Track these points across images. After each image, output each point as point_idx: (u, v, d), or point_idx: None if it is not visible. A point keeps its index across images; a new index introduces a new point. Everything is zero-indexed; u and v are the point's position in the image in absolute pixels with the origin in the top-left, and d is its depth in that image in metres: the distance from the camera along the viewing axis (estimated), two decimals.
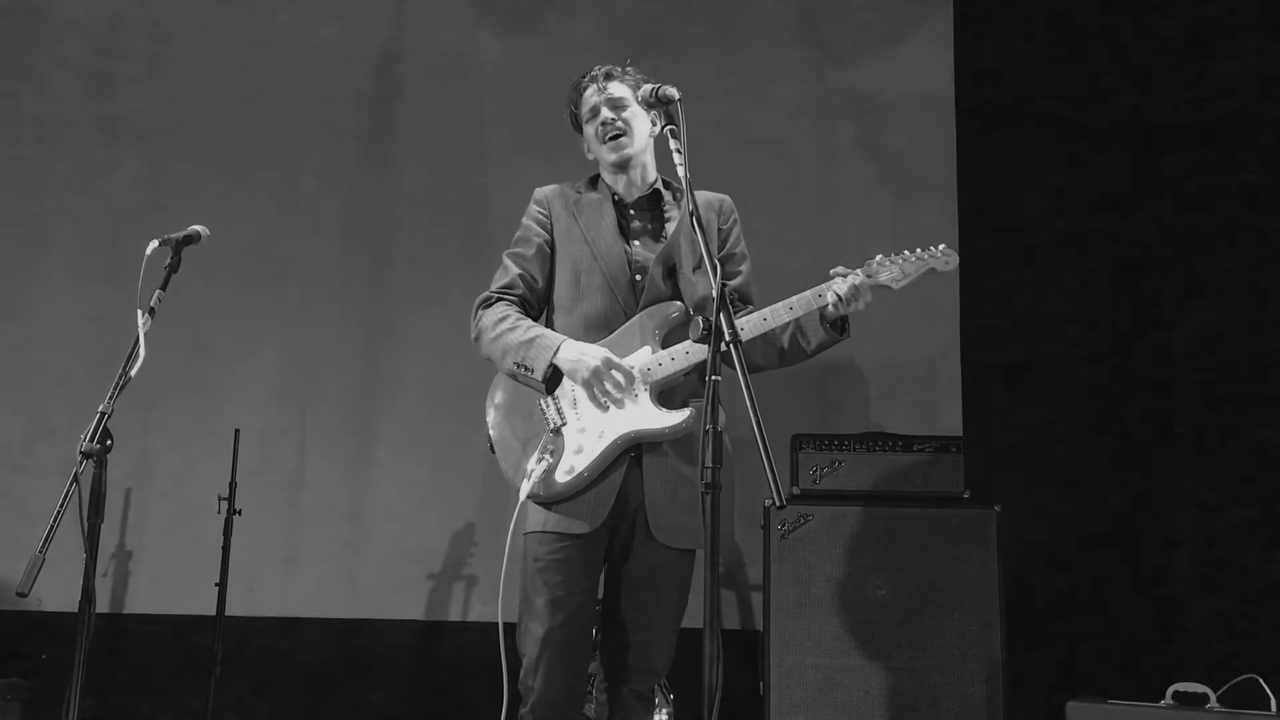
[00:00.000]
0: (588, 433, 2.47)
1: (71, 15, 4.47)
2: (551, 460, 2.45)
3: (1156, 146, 4.17)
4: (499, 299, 2.63)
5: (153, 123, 4.41)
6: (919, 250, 2.50)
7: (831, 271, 2.50)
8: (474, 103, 4.47)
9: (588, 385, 2.45)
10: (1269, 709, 2.85)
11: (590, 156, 2.72)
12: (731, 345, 1.98)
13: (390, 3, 4.54)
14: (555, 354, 2.47)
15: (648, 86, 2.38)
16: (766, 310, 2.49)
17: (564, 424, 2.49)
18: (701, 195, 2.66)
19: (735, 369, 1.98)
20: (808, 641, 3.32)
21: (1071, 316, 4.14)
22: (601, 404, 2.46)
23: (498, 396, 2.59)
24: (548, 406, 2.51)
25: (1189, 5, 4.21)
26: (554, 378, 2.50)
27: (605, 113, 2.62)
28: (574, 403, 2.49)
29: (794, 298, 2.48)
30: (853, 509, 3.41)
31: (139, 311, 2.33)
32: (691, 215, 2.19)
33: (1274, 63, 4.06)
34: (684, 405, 2.48)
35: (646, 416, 2.46)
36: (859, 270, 2.48)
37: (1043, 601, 3.86)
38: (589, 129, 2.67)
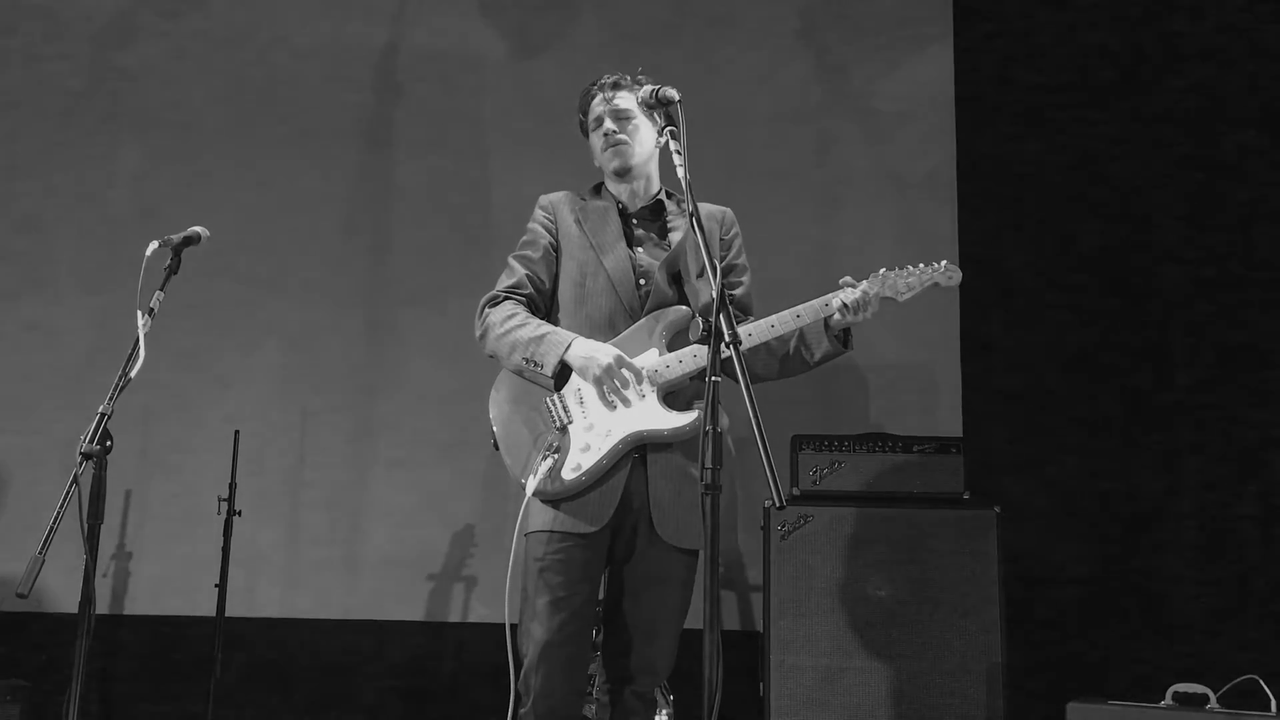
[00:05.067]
0: (595, 431, 2.47)
1: (72, 15, 4.47)
2: (557, 458, 2.46)
3: (1158, 146, 4.17)
4: (506, 297, 2.64)
5: (153, 123, 4.41)
6: (923, 265, 2.53)
7: (840, 281, 2.51)
8: (474, 102, 4.47)
9: (598, 383, 2.46)
10: (1269, 709, 2.85)
11: (598, 164, 2.75)
12: (731, 346, 1.98)
13: (391, 2, 4.55)
14: (566, 350, 2.48)
15: (648, 88, 2.38)
16: (773, 317, 2.50)
17: (570, 422, 2.49)
18: (704, 207, 2.68)
19: (735, 371, 1.98)
20: (808, 642, 3.32)
21: (1072, 317, 4.14)
22: (610, 403, 2.47)
23: (502, 392, 2.59)
24: (554, 404, 2.51)
25: (1191, 5, 4.21)
26: (560, 375, 2.51)
27: (609, 124, 2.65)
28: (580, 401, 2.50)
29: (800, 306, 2.49)
30: (853, 510, 3.41)
31: (139, 312, 2.34)
32: (691, 216, 2.19)
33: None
34: (688, 407, 2.49)
35: (654, 417, 2.46)
36: (865, 282, 2.50)
37: (1043, 602, 3.86)
38: (594, 138, 2.71)
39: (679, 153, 2.25)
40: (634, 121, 2.64)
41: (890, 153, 4.36)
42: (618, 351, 2.47)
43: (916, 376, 4.20)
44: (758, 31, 4.47)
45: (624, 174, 2.65)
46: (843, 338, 2.56)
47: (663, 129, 2.36)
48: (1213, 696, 2.92)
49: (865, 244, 4.24)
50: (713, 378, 1.96)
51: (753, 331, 2.48)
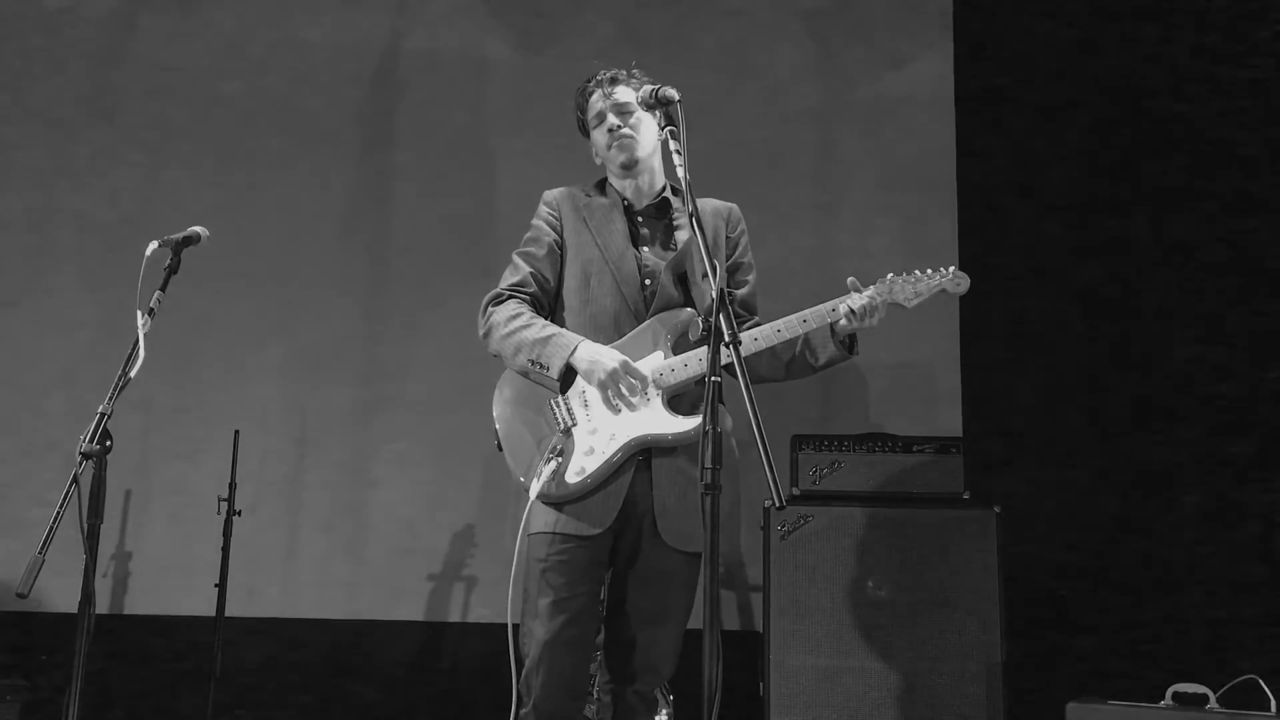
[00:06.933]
0: (599, 434, 2.46)
1: (74, 16, 4.47)
2: (561, 461, 2.45)
3: (1159, 146, 4.17)
4: (510, 296, 2.62)
5: (154, 123, 4.41)
6: (930, 271, 2.52)
7: (848, 282, 2.50)
8: (476, 100, 4.47)
9: (603, 387, 2.44)
10: (1269, 709, 2.85)
11: (598, 161, 2.73)
12: (731, 346, 1.98)
13: (392, 3, 4.54)
14: (572, 353, 2.46)
15: (648, 88, 2.38)
16: (779, 322, 2.49)
17: (574, 425, 2.48)
18: (709, 203, 2.68)
19: (736, 372, 1.97)
20: (807, 642, 3.32)
21: (1072, 317, 4.14)
22: (614, 406, 2.46)
23: (507, 393, 2.58)
24: (558, 407, 2.50)
25: (1191, 4, 4.22)
26: (565, 377, 2.49)
27: (612, 118, 2.62)
28: (585, 403, 2.49)
29: (807, 310, 2.48)
30: (853, 510, 3.40)
31: (139, 312, 2.34)
32: (691, 217, 2.19)
33: None
34: (692, 411, 2.47)
35: (658, 421, 2.45)
36: (872, 287, 2.49)
37: (1043, 601, 3.86)
38: (596, 134, 2.68)
39: (679, 152, 2.25)
40: (636, 114, 2.62)
41: (890, 152, 4.36)
42: (623, 356, 2.45)
43: (916, 376, 4.20)
44: (758, 33, 4.47)
45: (631, 167, 2.63)
46: (848, 344, 2.55)
47: (663, 128, 2.37)
48: (1213, 696, 2.92)
49: (865, 244, 4.24)
50: (713, 378, 1.95)
51: (759, 336, 2.47)
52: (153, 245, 2.43)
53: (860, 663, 3.28)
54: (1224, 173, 4.09)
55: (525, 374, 2.53)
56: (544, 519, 2.46)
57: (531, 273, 2.63)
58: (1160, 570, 3.90)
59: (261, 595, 4.08)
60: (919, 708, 3.24)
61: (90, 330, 4.19)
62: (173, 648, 4.03)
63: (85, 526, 2.21)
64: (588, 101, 2.68)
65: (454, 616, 4.10)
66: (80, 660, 2.18)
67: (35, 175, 4.38)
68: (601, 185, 2.73)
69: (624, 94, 2.62)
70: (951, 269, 2.54)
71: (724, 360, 2.00)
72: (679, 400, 2.49)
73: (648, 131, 2.63)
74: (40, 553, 2.11)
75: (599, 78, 2.67)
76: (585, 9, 4.52)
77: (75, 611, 2.17)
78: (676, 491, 2.46)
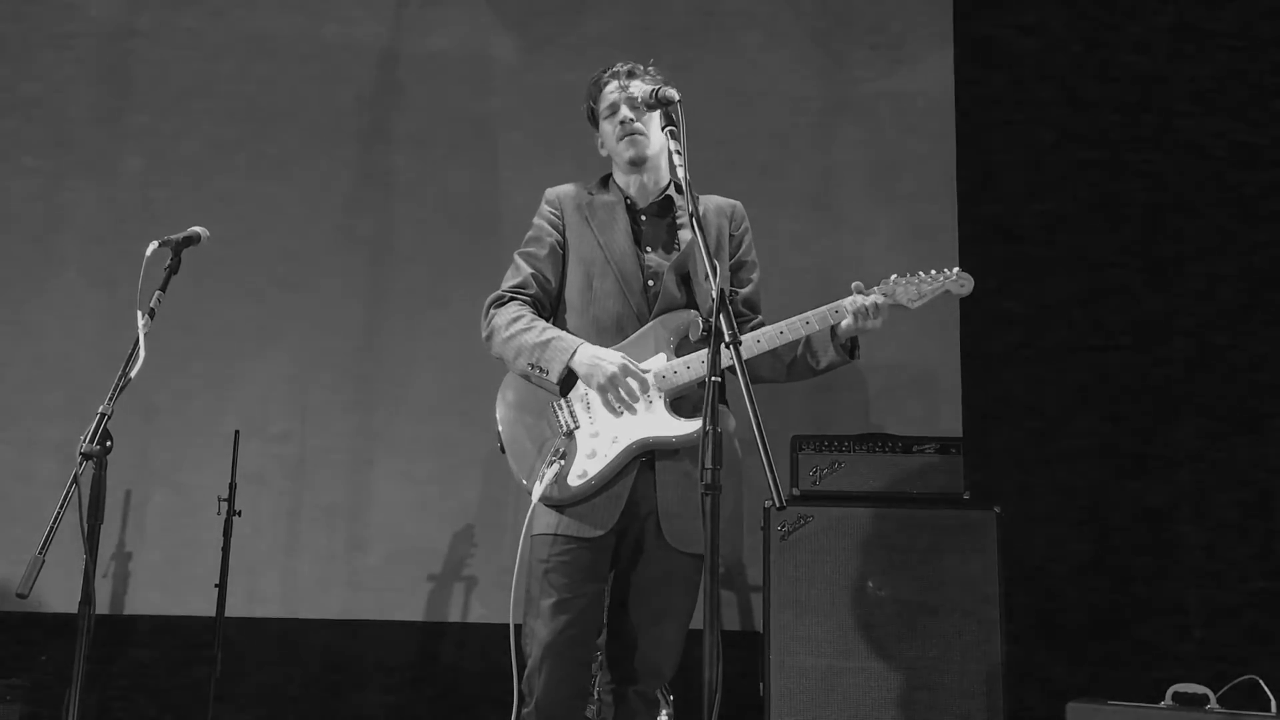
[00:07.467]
0: (601, 437, 2.46)
1: (77, 18, 4.47)
2: (564, 464, 2.44)
3: (1161, 145, 4.17)
4: (512, 298, 2.61)
5: (155, 124, 4.41)
6: (933, 272, 2.51)
7: (852, 286, 2.49)
8: (478, 102, 4.47)
9: (603, 390, 2.44)
10: (1269, 709, 2.85)
11: (604, 153, 2.70)
12: (731, 346, 1.97)
13: (394, 2, 4.54)
14: (572, 357, 2.46)
15: (648, 88, 2.38)
16: (783, 324, 2.48)
17: (576, 427, 2.48)
18: (713, 200, 2.67)
19: (737, 372, 1.97)
20: (808, 642, 3.32)
21: (1072, 316, 4.14)
22: (615, 409, 2.46)
23: (509, 396, 2.57)
24: (560, 409, 2.50)
25: (1190, 4, 4.22)
26: (567, 380, 2.49)
27: (624, 111, 2.59)
28: (587, 406, 2.48)
29: (810, 313, 2.48)
30: (853, 510, 3.41)
31: (139, 312, 2.33)
32: (691, 217, 2.18)
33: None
34: (695, 413, 2.44)
35: (660, 423, 2.45)
36: (876, 289, 2.48)
37: (1043, 602, 3.86)
38: (606, 125, 2.64)
39: (678, 152, 2.25)
40: (647, 111, 2.58)
41: (891, 152, 4.36)
42: (623, 358, 2.45)
43: (916, 376, 4.20)
44: (758, 32, 4.47)
45: (639, 164, 2.60)
46: (849, 347, 2.55)
47: (663, 128, 2.37)
48: (1213, 696, 2.92)
49: (865, 243, 4.24)
50: (713, 378, 1.94)
51: (761, 338, 2.47)
52: (153, 245, 2.43)
53: (860, 663, 3.29)
54: (1229, 177, 4.09)
55: (526, 377, 2.53)
56: (546, 520, 2.46)
57: (533, 274, 2.62)
58: (1161, 570, 3.90)
59: (261, 595, 4.08)
60: (919, 708, 3.24)
61: (91, 330, 4.19)
62: (173, 648, 4.03)
63: (85, 526, 2.21)
64: (601, 92, 2.64)
65: (454, 616, 4.10)
66: (80, 660, 2.18)
67: (36, 175, 4.37)
68: (605, 181, 2.71)
69: (639, 88, 2.57)
70: (955, 270, 2.53)
71: (726, 361, 2.00)
72: (681, 402, 2.49)
73: (656, 129, 2.58)
74: (40, 553, 2.11)
75: (615, 69, 2.63)
76: (588, 9, 4.51)
77: (75, 611, 2.17)
78: (679, 493, 2.45)
